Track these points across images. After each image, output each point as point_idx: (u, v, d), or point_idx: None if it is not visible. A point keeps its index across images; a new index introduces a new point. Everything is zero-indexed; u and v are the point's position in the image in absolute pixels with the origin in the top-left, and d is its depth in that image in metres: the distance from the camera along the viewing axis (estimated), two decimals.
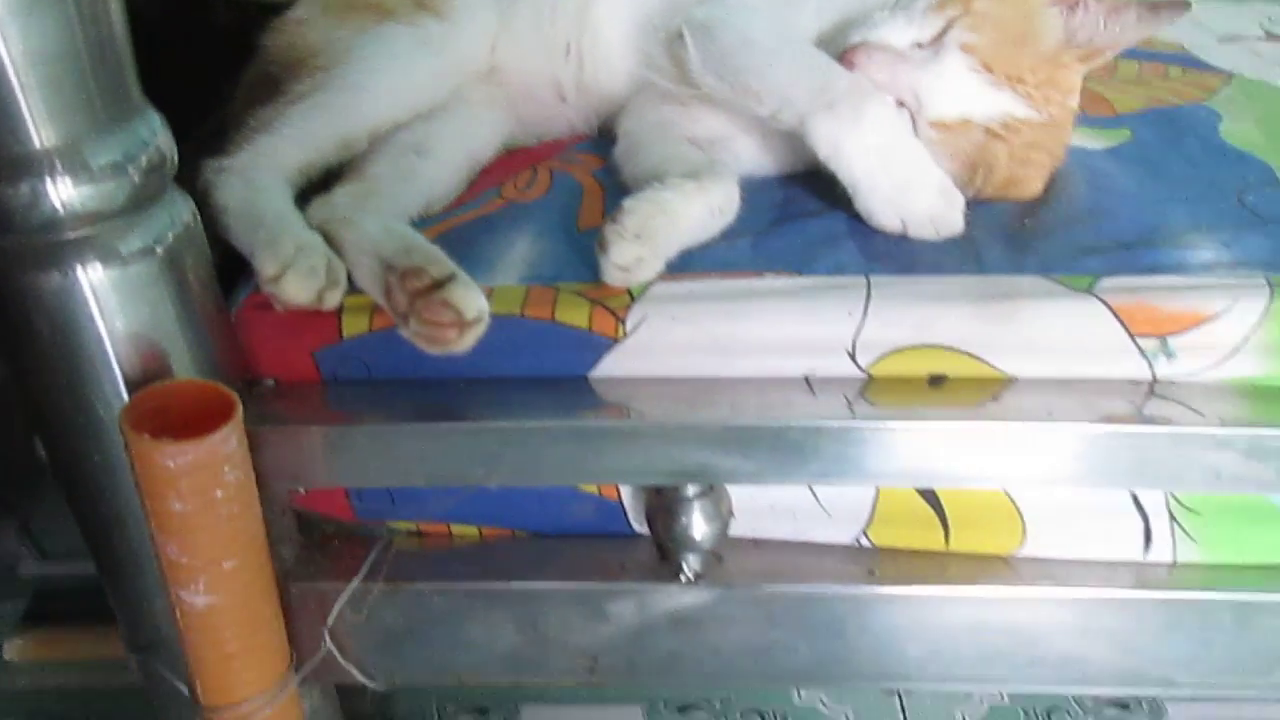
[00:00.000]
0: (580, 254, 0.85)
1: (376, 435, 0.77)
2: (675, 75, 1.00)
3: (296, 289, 0.76)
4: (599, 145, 1.06)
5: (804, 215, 0.90)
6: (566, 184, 0.99)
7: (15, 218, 0.66)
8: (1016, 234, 0.87)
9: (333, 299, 0.78)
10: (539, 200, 0.96)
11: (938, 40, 0.88)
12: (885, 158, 0.84)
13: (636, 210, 0.78)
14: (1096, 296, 0.77)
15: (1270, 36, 1.38)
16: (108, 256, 0.69)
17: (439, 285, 0.73)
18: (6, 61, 0.61)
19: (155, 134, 0.71)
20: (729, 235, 0.86)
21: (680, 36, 0.97)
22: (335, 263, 0.79)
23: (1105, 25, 0.88)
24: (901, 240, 0.86)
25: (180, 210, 0.74)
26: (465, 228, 0.91)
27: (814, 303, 0.78)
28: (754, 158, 0.97)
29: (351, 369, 0.80)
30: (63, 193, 0.65)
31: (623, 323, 0.78)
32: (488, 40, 1.05)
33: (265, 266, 0.77)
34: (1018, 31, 0.88)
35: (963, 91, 0.87)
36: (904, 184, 0.85)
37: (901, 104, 0.89)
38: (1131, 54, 1.26)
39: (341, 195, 0.86)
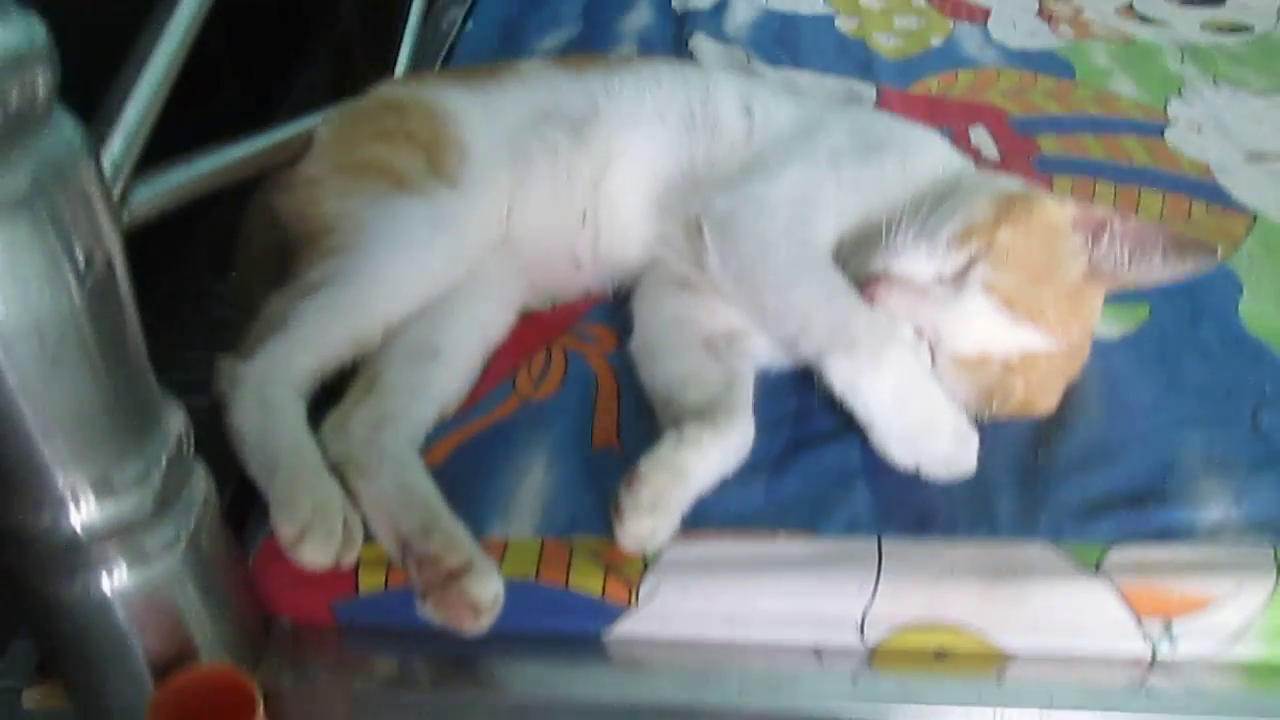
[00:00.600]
0: (595, 488, 0.86)
1: (394, 698, 0.79)
2: (692, 259, 0.99)
3: (314, 554, 0.77)
4: (613, 314, 1.06)
5: (817, 441, 0.90)
6: (580, 375, 0.99)
7: (36, 543, 0.66)
8: (1029, 474, 0.87)
9: (349, 558, 0.80)
10: (553, 400, 0.96)
11: (960, 276, 0.86)
12: (902, 403, 0.84)
13: (651, 479, 0.79)
14: (1105, 575, 0.78)
15: None
16: (133, 559, 0.69)
17: (455, 575, 0.74)
18: (31, 424, 0.61)
19: (175, 426, 0.71)
20: (743, 473, 0.86)
21: (699, 229, 0.96)
22: (352, 520, 0.80)
23: (1130, 263, 0.87)
24: (915, 483, 0.86)
25: (198, 485, 0.74)
26: (480, 441, 0.92)
27: (825, 575, 0.79)
28: (770, 353, 0.96)
29: (368, 618, 0.82)
30: (85, 515, 0.66)
31: (636, 591, 0.79)
32: (502, 209, 1.04)
33: (283, 529, 0.78)
34: (1041, 267, 0.87)
35: (983, 331, 0.86)
36: (920, 429, 0.85)
37: (920, 334, 0.88)
38: (1158, 179, 1.24)
39: (357, 424, 0.87)
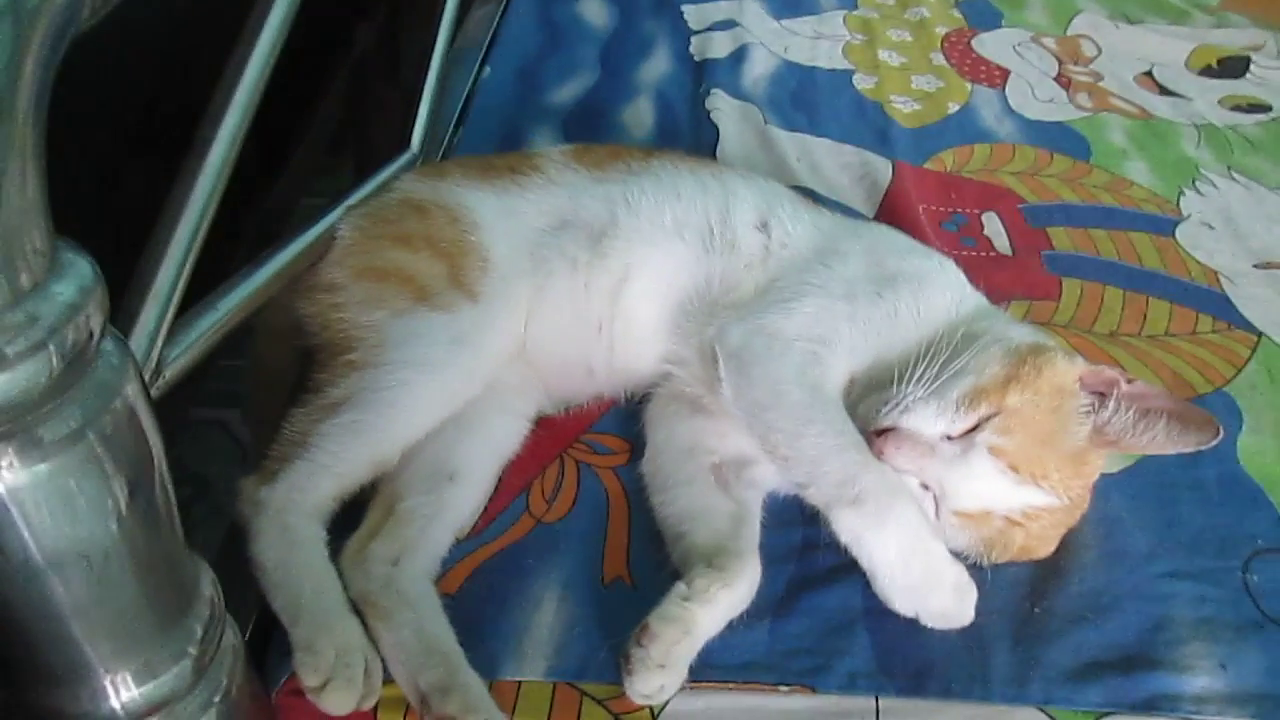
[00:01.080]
0: (605, 629, 0.88)
1: None
2: (704, 383, 1.01)
3: (337, 703, 0.81)
4: (625, 422, 1.08)
5: (821, 581, 0.93)
6: (592, 494, 1.01)
7: None
8: (1025, 627, 0.90)
9: (370, 703, 0.83)
10: (565, 523, 0.99)
11: (968, 436, 0.89)
12: (905, 557, 0.87)
13: (661, 637, 0.81)
14: None
15: None
16: None
17: None
18: (79, 636, 0.63)
19: (206, 591, 0.73)
20: (748, 615, 0.89)
21: (714, 357, 0.98)
22: (373, 664, 0.83)
23: (1134, 430, 0.89)
24: (914, 631, 0.89)
25: (228, 640, 0.77)
26: (495, 568, 0.95)
27: None
28: (778, 480, 0.99)
29: None
30: (126, 699, 0.68)
31: None
32: (521, 321, 1.06)
33: (307, 678, 0.81)
34: (1048, 429, 0.89)
35: (987, 490, 0.89)
36: (921, 582, 0.87)
37: (925, 487, 0.91)
38: (1166, 286, 1.26)
39: (376, 560, 0.89)
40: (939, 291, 1.01)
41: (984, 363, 0.91)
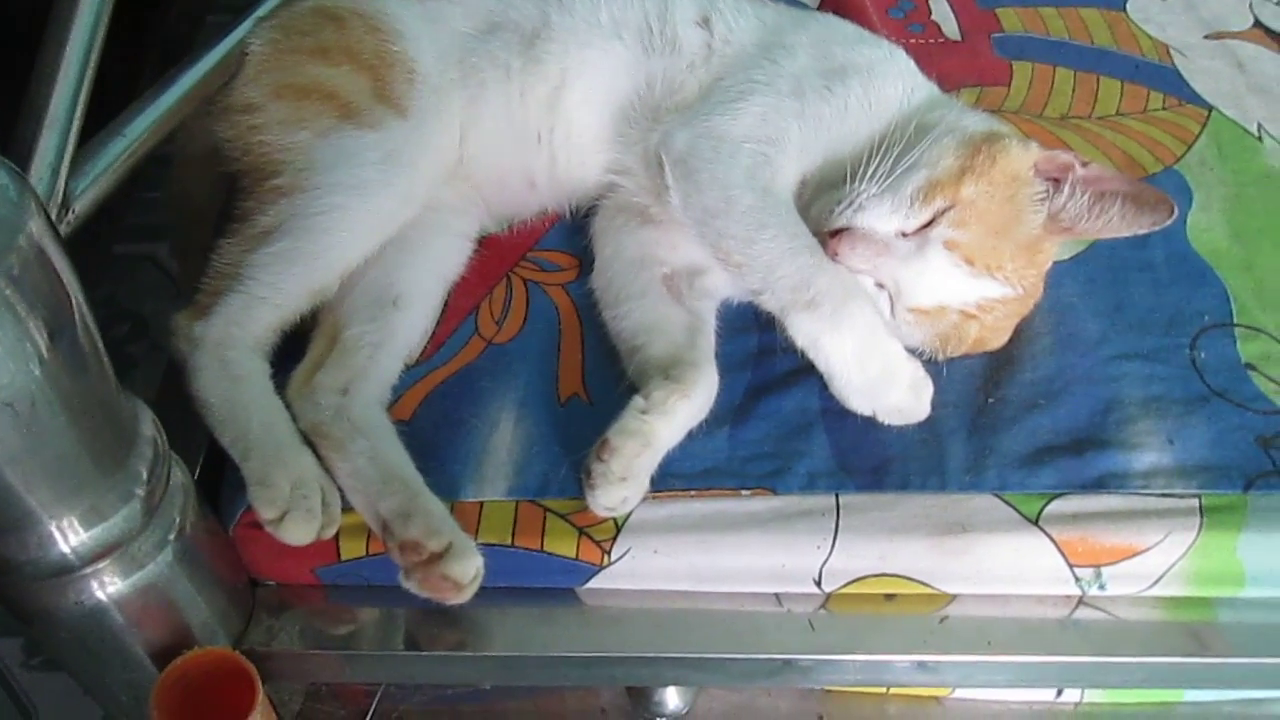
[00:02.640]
0: (564, 444, 0.88)
1: (380, 658, 0.84)
2: (651, 192, 0.98)
3: (296, 533, 0.80)
4: (571, 237, 1.05)
5: (779, 385, 0.93)
6: (543, 312, 0.99)
7: (26, 568, 0.68)
8: (980, 418, 0.91)
9: (330, 532, 0.82)
10: (517, 342, 0.97)
11: (922, 231, 0.87)
12: (861, 357, 0.87)
13: (622, 450, 0.81)
14: (1042, 530, 0.84)
15: (1258, 29, 1.33)
16: (125, 569, 0.71)
17: (436, 557, 0.77)
18: (15, 483, 0.61)
19: (147, 432, 0.72)
20: (707, 423, 0.89)
21: (660, 164, 0.94)
22: (330, 495, 0.82)
23: (1089, 215, 0.88)
24: (871, 429, 0.90)
25: (176, 479, 0.75)
26: (448, 391, 0.93)
27: (785, 535, 0.84)
28: (731, 287, 0.97)
29: (351, 579, 0.86)
30: (75, 542, 0.67)
31: (608, 553, 0.84)
32: (455, 135, 1.00)
33: (264, 511, 0.80)
34: (1002, 220, 0.88)
35: (943, 285, 0.88)
36: (878, 381, 0.87)
37: (880, 286, 0.90)
38: (1117, 64, 1.23)
39: (324, 390, 0.87)
40: (890, 82, 0.97)
41: (937, 155, 0.89)
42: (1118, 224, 0.87)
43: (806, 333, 0.86)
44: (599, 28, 1.01)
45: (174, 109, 0.86)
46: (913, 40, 1.29)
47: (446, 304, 0.99)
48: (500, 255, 1.04)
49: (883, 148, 0.89)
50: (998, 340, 0.94)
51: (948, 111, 0.95)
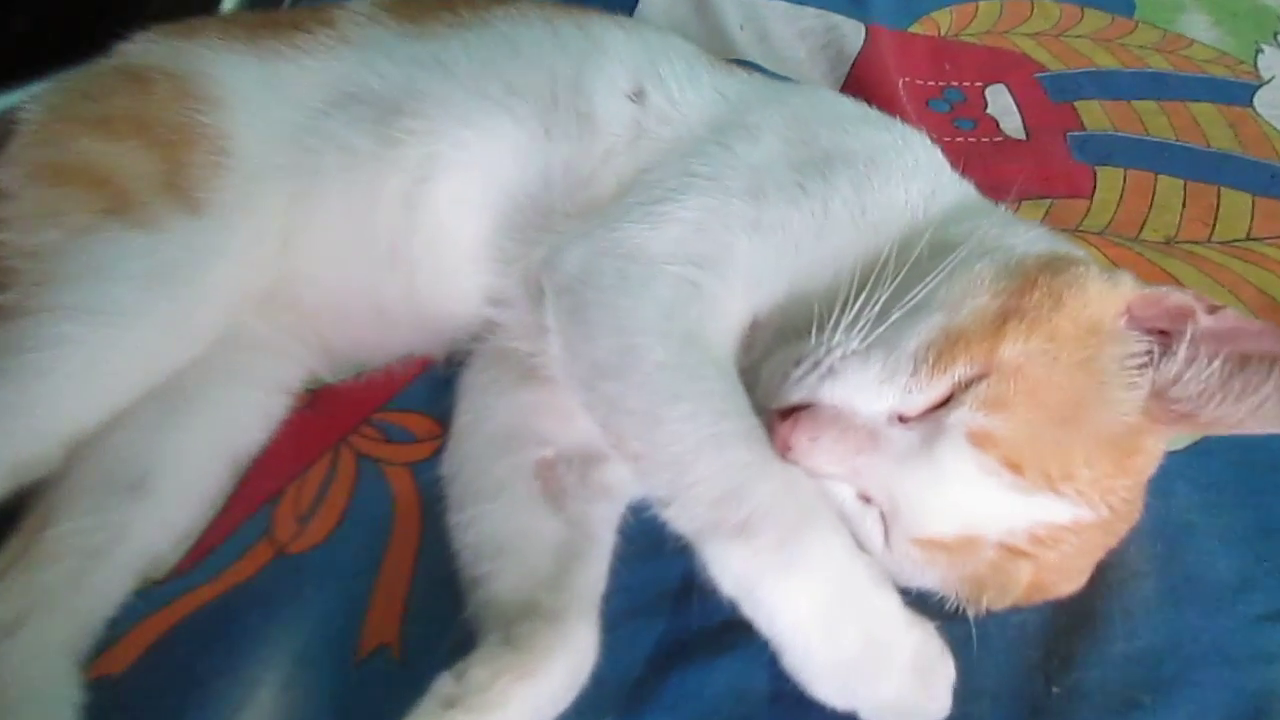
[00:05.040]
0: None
1: None
2: (536, 334, 0.65)
3: None
4: (440, 394, 0.72)
5: (704, 647, 0.58)
6: (370, 506, 0.67)
7: None
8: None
9: None
10: (322, 551, 0.64)
11: (934, 414, 0.52)
12: (829, 623, 0.52)
13: None
14: None
15: None
16: None
17: None
18: None
19: None
20: (580, 713, 0.54)
21: (541, 293, 0.62)
22: None
23: (1221, 393, 0.53)
24: None
25: None
26: (196, 627, 0.61)
27: None
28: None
29: None
30: None
31: None
32: (273, 242, 0.70)
33: None
34: (1071, 403, 0.53)
35: (970, 503, 0.53)
36: (857, 660, 0.52)
37: (866, 500, 0.55)
38: (1245, 172, 0.89)
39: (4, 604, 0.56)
40: (899, 179, 0.65)
41: (962, 291, 0.55)
42: (1274, 411, 0.51)
43: (737, 575, 0.52)
44: (484, 100, 0.71)
45: None
46: (959, 139, 0.98)
47: (237, 489, 0.67)
48: (333, 417, 0.73)
49: (875, 276, 0.55)
50: (1067, 585, 0.59)
51: (984, 223, 0.61)
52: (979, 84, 1.05)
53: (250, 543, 0.65)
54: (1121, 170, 0.93)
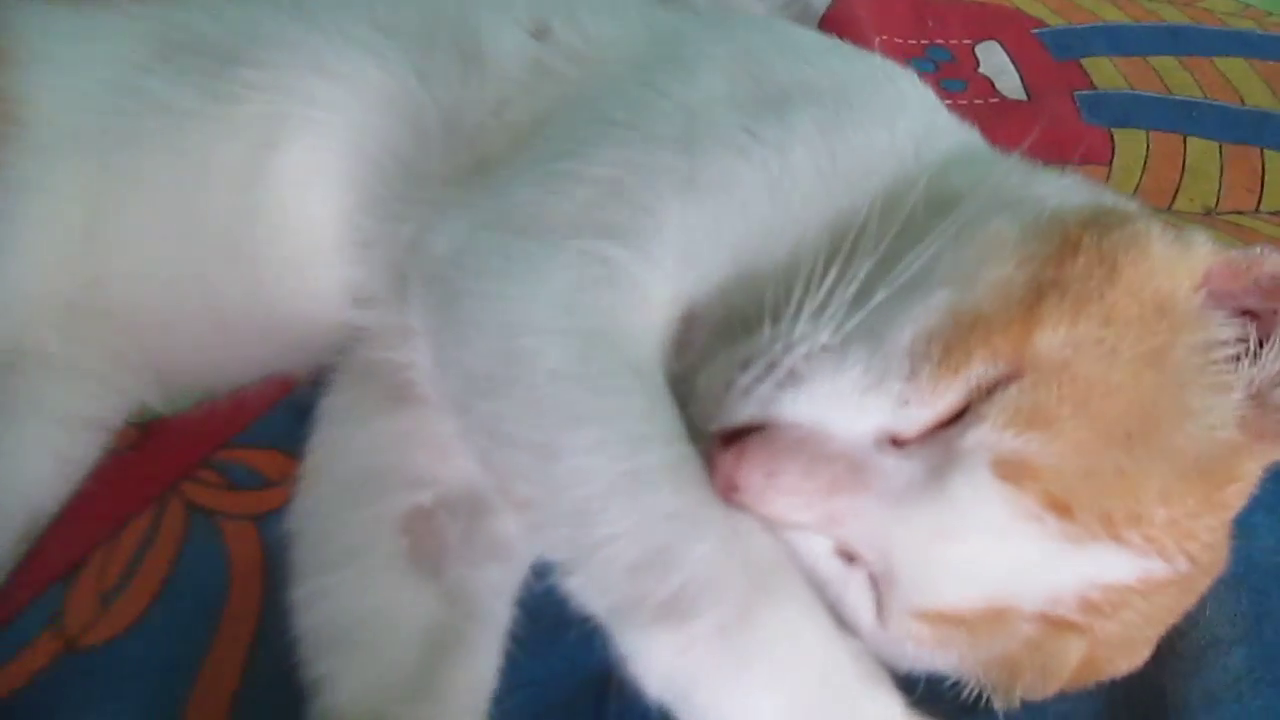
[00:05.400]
0: None
1: None
2: (401, 340, 0.49)
3: None
4: (295, 425, 0.56)
5: None
6: (198, 574, 0.50)
7: None
8: None
9: None
10: (127, 641, 0.48)
11: (941, 434, 0.36)
12: None
13: None
14: None
15: None
16: None
17: None
18: None
19: None
20: None
21: (406, 282, 0.46)
22: None
23: None
24: None
25: None
26: None
27: None
28: None
29: None
30: None
31: None
32: (72, 230, 0.54)
33: None
34: (1134, 409, 0.37)
35: (996, 561, 0.37)
36: None
37: (850, 558, 0.39)
38: None
39: None
40: (880, 115, 0.49)
41: (977, 255, 0.40)
42: None
43: (667, 675, 0.36)
44: (345, 41, 0.55)
45: None
46: (949, 102, 0.82)
47: (27, 564, 0.51)
48: (161, 458, 0.56)
49: (852, 243, 0.40)
50: (1127, 661, 0.43)
51: (997, 171, 0.45)
52: (967, 41, 0.90)
53: (31, 636, 0.49)
54: (1144, 132, 0.79)
